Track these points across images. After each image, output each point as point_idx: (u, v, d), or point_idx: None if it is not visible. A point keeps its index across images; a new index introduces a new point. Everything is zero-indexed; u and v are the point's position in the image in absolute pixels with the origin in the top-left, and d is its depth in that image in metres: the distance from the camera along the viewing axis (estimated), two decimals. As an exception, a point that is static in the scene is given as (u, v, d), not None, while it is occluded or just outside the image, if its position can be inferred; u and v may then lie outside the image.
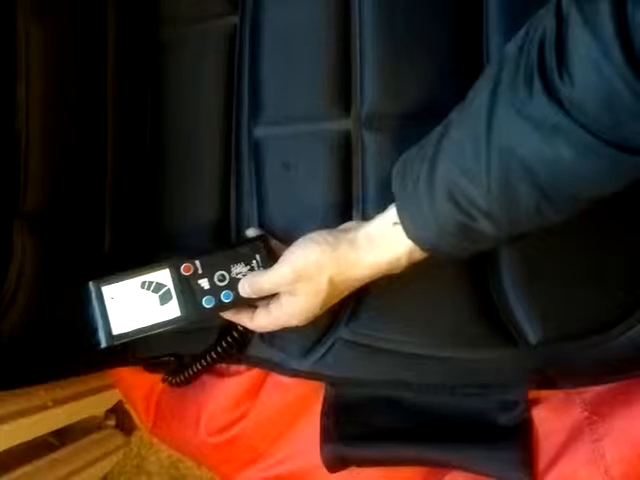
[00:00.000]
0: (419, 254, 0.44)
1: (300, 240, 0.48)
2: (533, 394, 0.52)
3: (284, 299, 0.48)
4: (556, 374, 0.51)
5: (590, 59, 0.30)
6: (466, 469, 0.52)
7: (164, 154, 0.63)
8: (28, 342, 0.51)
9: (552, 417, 0.51)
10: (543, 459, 0.50)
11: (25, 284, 0.50)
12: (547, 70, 0.32)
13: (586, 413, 0.50)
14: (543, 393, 0.52)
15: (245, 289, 0.49)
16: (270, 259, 0.51)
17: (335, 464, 0.54)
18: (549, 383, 0.52)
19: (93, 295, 0.47)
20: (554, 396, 0.52)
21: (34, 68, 0.51)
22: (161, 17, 0.64)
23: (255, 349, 0.57)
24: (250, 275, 0.50)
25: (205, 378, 0.61)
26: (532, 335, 0.51)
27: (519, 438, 0.51)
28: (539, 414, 0.51)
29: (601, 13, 0.29)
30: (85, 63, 0.57)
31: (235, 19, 0.62)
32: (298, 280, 0.46)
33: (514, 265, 0.51)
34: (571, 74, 0.31)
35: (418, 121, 0.52)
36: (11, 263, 0.49)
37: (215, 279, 0.50)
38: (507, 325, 0.52)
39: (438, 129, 0.42)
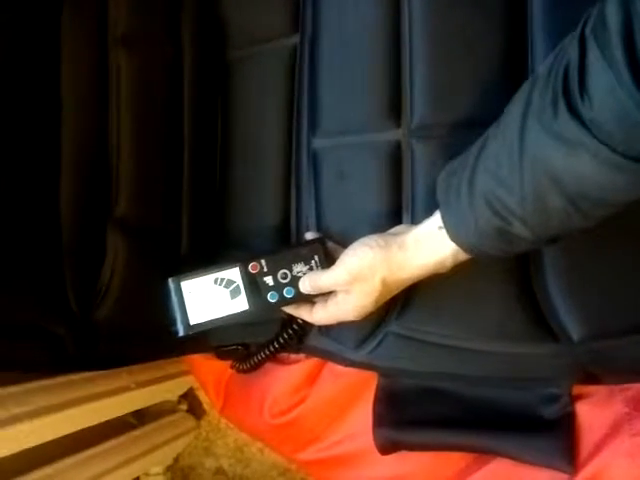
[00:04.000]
0: (463, 255, 0.47)
1: (355, 244, 0.51)
2: (577, 389, 0.53)
3: (340, 297, 0.52)
4: (599, 370, 0.52)
5: (606, 84, 0.33)
6: (510, 457, 0.53)
7: (233, 164, 0.68)
8: (119, 329, 0.57)
9: (594, 412, 0.52)
10: (584, 451, 0.52)
11: (117, 279, 0.56)
12: (570, 92, 0.35)
13: (627, 409, 0.51)
14: (587, 388, 0.53)
15: (305, 286, 0.53)
16: (327, 259, 0.55)
17: (387, 447, 0.57)
18: (592, 379, 0.53)
19: (173, 290, 0.52)
20: (597, 391, 0.53)
21: (124, 91, 0.57)
22: (229, 39, 0.69)
23: (313, 340, 0.61)
24: (310, 274, 0.54)
25: (269, 365, 0.65)
26: (575, 332, 0.52)
27: (562, 429, 0.52)
28: (582, 408, 0.53)
29: (613, 44, 0.32)
30: (165, 84, 0.63)
31: (296, 39, 0.65)
32: (353, 281, 0.49)
33: (557, 262, 0.52)
34: (591, 97, 0.34)
35: (465, 129, 0.54)
36: (105, 260, 0.55)
37: (278, 276, 0.54)
38: (550, 321, 0.53)
39: (478, 142, 0.45)
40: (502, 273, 0.54)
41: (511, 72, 0.56)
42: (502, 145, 0.41)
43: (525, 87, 0.41)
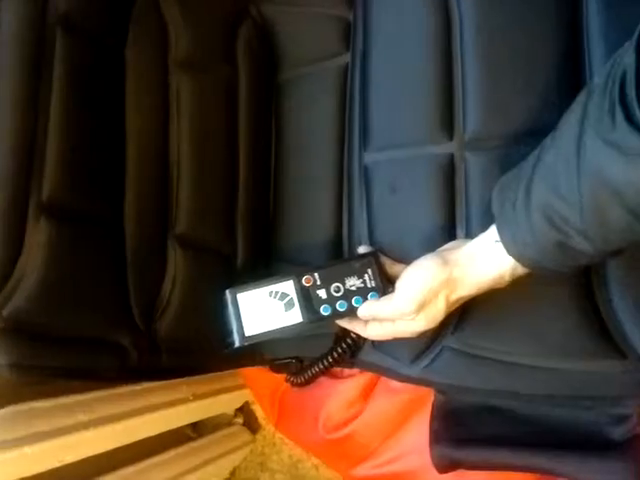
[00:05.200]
0: (521, 269, 0.46)
1: (410, 269, 0.50)
2: (647, 409, 0.51)
3: (399, 321, 0.50)
4: (670, 390, 0.50)
5: None
6: (575, 478, 0.51)
7: (286, 180, 0.69)
8: (178, 341, 0.58)
9: (666, 433, 0.50)
10: (655, 475, 0.49)
11: (177, 292, 0.58)
12: (628, 101, 0.34)
13: (701, 431, 0.49)
14: (657, 409, 0.51)
15: (363, 313, 0.52)
16: (380, 273, 0.54)
17: (445, 465, 0.56)
18: (663, 399, 0.50)
19: (229, 301, 0.53)
20: (669, 412, 0.51)
21: (184, 113, 0.60)
22: (282, 59, 0.71)
23: (367, 354, 0.60)
24: (370, 303, 0.52)
25: (323, 380, 0.65)
26: (642, 348, 0.49)
27: (630, 452, 0.50)
28: (652, 430, 0.50)
29: None
30: (223, 106, 0.65)
31: (347, 58, 0.67)
32: (420, 310, 0.48)
33: (622, 276, 0.50)
34: None
35: (520, 140, 0.54)
36: (166, 275, 0.58)
37: (331, 290, 0.54)
38: (615, 338, 0.51)
39: (534, 154, 0.44)
40: (563, 286, 0.52)
41: (567, 80, 0.55)
42: (558, 156, 0.40)
43: (582, 97, 0.40)
